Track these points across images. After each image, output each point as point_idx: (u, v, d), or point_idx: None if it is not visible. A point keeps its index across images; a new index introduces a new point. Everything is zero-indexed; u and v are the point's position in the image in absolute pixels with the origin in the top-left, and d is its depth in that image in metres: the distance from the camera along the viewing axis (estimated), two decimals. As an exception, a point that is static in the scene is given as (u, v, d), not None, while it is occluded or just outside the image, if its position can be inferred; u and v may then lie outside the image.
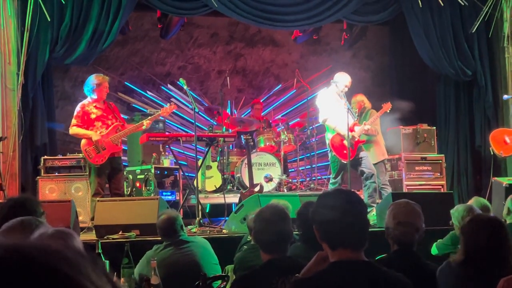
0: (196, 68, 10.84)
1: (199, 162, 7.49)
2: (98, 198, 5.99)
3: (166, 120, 8.74)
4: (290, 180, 8.94)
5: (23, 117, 7.24)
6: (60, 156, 7.36)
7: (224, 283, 3.86)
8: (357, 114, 7.18)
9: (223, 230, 5.93)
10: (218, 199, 7.84)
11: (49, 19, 7.29)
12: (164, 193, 7.26)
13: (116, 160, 6.42)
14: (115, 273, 3.64)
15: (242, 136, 8.02)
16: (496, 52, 8.84)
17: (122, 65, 10.44)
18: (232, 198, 7.67)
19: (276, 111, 10.80)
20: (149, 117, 6.63)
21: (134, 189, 7.36)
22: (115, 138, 6.33)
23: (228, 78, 9.32)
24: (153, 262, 3.47)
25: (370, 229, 2.28)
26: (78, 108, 6.41)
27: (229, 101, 10.78)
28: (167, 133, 7.94)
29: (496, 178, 7.14)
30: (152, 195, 7.00)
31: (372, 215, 6.11)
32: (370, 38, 10.63)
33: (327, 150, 7.18)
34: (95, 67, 9.16)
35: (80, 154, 6.85)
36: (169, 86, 10.55)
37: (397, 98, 8.23)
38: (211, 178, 8.43)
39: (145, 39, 10.47)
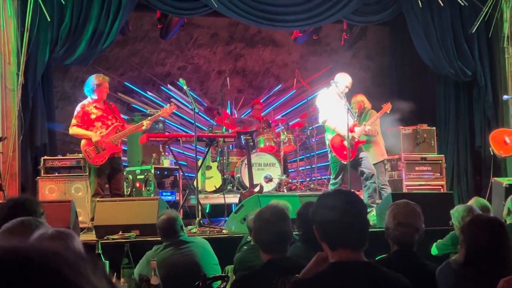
0: (196, 69, 10.85)
1: (199, 163, 7.49)
2: (98, 199, 5.99)
3: (166, 121, 8.73)
4: (290, 180, 8.94)
5: (23, 118, 7.24)
6: (60, 157, 7.36)
7: (224, 283, 3.86)
8: (357, 114, 7.18)
9: (223, 231, 5.92)
10: (218, 199, 7.83)
11: (49, 19, 7.29)
12: (164, 194, 7.26)
13: (116, 160, 6.42)
14: (115, 274, 3.64)
15: (242, 136, 8.03)
16: (496, 52, 8.84)
17: (122, 66, 10.44)
18: (232, 199, 7.67)
19: (276, 112, 10.79)
20: (149, 118, 6.63)
21: (134, 189, 7.36)
22: (115, 139, 6.33)
23: (228, 78, 9.31)
24: (153, 262, 3.47)
25: (370, 230, 2.28)
26: (78, 108, 6.41)
27: (229, 102, 10.78)
28: (167, 134, 7.93)
29: (496, 178, 7.14)
30: (152, 195, 7.00)
31: (372, 216, 6.11)
32: (370, 38, 10.63)
33: (327, 151, 7.18)
34: (95, 67, 9.16)
35: (80, 155, 6.85)
36: (169, 86, 10.55)
37: (397, 98, 8.23)
38: (211, 179, 8.43)
39: (145, 39, 10.47)
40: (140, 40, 10.46)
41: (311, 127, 9.06)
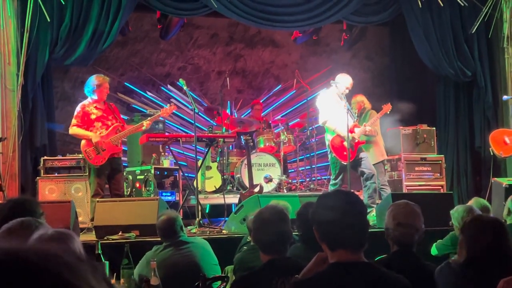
0: (196, 69, 10.85)
1: (199, 163, 7.48)
2: (97, 199, 5.99)
3: (166, 121, 8.73)
4: (290, 180, 8.94)
5: (22, 118, 7.23)
6: (59, 157, 7.36)
7: (224, 283, 3.86)
8: (356, 115, 7.18)
9: (223, 231, 5.92)
10: (218, 199, 7.83)
11: (49, 20, 7.29)
12: (164, 194, 7.25)
13: (116, 160, 6.42)
14: (115, 274, 3.64)
15: (242, 136, 8.03)
16: (496, 52, 8.84)
17: (122, 66, 10.44)
18: (232, 199, 7.67)
19: (276, 112, 10.79)
20: (149, 118, 6.63)
21: (134, 189, 7.36)
22: (115, 139, 6.33)
23: (228, 78, 9.31)
24: (152, 263, 3.47)
25: (369, 230, 2.28)
26: (78, 108, 6.41)
27: (228, 102, 10.78)
28: (166, 134, 7.93)
29: (496, 178, 7.14)
30: (152, 195, 7.00)
31: (371, 216, 6.11)
32: (370, 38, 10.63)
33: (327, 151, 7.18)
34: (95, 67, 9.15)
35: (80, 155, 6.85)
36: (169, 86, 10.55)
37: (397, 98, 8.24)
38: (211, 179, 8.43)
39: (145, 39, 10.47)
40: (140, 40, 10.45)
41: (311, 128, 9.06)
